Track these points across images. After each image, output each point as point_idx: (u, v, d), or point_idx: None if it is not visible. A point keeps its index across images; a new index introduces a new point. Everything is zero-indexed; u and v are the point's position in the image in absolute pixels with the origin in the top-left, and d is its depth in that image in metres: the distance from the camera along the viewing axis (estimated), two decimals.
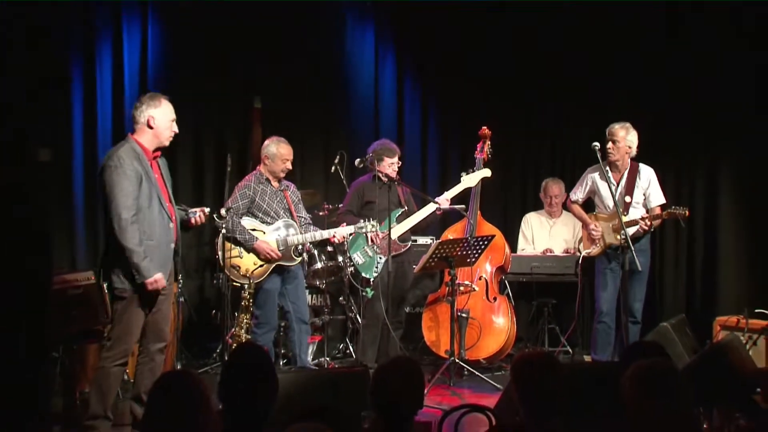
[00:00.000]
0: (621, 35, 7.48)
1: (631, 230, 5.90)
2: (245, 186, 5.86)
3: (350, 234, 5.96)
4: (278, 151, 5.85)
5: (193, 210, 4.85)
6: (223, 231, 5.85)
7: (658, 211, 6.09)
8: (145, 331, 4.62)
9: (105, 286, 4.68)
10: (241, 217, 5.77)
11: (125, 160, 4.43)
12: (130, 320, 4.49)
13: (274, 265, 5.77)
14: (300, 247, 5.88)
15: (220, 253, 5.67)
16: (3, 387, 3.32)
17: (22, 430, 3.36)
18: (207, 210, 4.91)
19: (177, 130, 4.71)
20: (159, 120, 4.58)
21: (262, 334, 5.83)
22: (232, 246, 5.69)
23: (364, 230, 5.90)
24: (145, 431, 2.60)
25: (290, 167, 5.93)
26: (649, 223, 5.95)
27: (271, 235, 5.81)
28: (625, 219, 5.89)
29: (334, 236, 5.92)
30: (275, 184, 5.92)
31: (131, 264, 4.40)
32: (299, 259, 5.86)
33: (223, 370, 3.23)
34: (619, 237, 5.88)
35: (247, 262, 5.74)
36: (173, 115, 4.66)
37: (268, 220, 5.83)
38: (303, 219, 6.02)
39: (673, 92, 7.40)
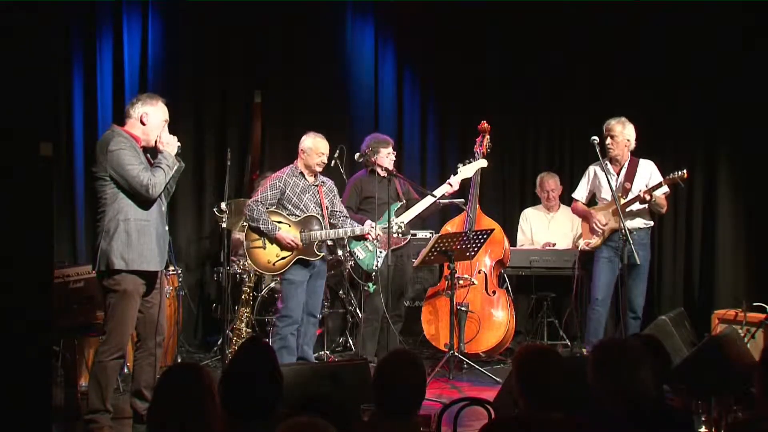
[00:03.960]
0: (620, 32, 7.50)
1: (630, 224, 5.90)
2: (277, 178, 5.82)
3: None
4: (314, 144, 5.82)
5: None
6: (224, 224, 5.85)
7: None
8: (143, 325, 4.63)
9: (96, 277, 4.65)
10: (269, 209, 5.74)
11: (123, 142, 4.49)
12: (124, 313, 4.49)
13: (296, 258, 5.72)
14: (325, 243, 5.83)
15: (244, 242, 5.74)
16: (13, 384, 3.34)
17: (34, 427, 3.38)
18: None
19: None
20: (152, 117, 4.60)
21: (283, 327, 5.71)
22: (256, 236, 5.71)
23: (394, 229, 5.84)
24: (151, 423, 2.61)
25: (326, 161, 5.87)
26: (648, 196, 5.90)
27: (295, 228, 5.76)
28: (623, 201, 5.90)
29: (368, 233, 5.83)
30: (310, 178, 5.87)
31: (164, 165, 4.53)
32: (322, 254, 5.79)
33: (227, 365, 3.24)
34: (618, 220, 5.84)
35: (270, 253, 5.71)
36: (166, 116, 4.67)
37: (297, 213, 5.78)
38: (338, 213, 5.95)
39: (672, 87, 7.42)
